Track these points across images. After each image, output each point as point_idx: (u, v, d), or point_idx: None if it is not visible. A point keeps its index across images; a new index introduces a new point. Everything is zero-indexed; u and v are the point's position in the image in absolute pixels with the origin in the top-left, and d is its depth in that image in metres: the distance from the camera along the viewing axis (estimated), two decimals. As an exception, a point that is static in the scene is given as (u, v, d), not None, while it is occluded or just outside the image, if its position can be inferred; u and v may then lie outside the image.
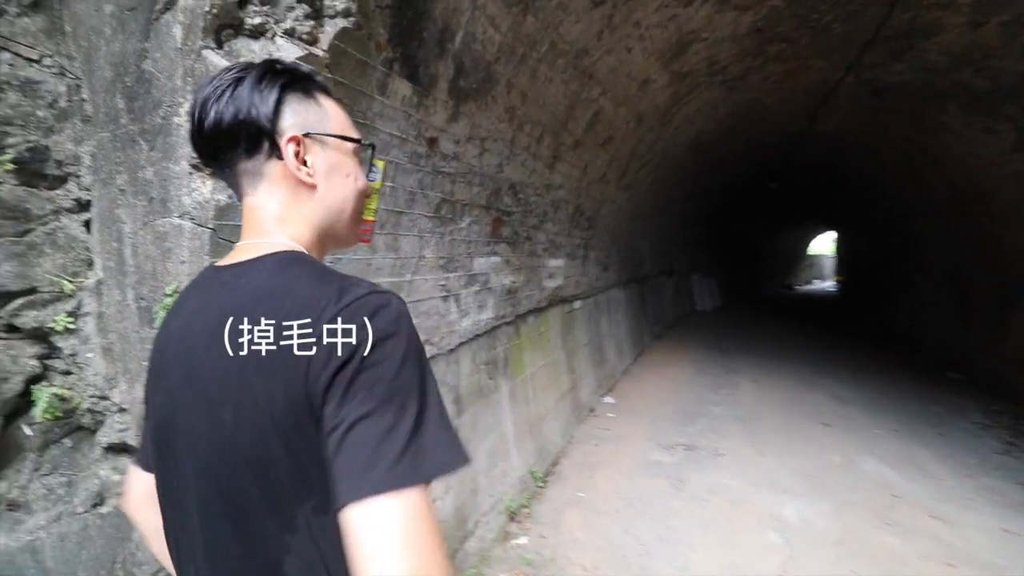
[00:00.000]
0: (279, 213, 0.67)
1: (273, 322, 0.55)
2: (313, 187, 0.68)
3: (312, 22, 1.55)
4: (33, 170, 1.50)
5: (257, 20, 1.45)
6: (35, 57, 1.52)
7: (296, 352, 0.53)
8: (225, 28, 1.40)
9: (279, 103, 0.66)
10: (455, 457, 0.54)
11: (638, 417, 5.25)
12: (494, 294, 3.32)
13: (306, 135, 0.67)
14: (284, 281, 0.60)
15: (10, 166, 1.43)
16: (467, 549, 2.71)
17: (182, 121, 1.40)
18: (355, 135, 0.73)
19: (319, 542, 0.55)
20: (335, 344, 0.53)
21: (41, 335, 1.46)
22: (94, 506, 1.45)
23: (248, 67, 0.66)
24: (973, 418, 5.38)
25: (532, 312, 4.16)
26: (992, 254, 6.67)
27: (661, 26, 3.75)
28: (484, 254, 3.15)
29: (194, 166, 1.40)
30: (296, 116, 0.67)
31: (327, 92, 0.73)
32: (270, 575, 0.56)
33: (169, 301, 1.44)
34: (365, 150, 0.77)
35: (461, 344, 2.90)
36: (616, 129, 4.82)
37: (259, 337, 0.55)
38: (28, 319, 1.42)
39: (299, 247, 0.66)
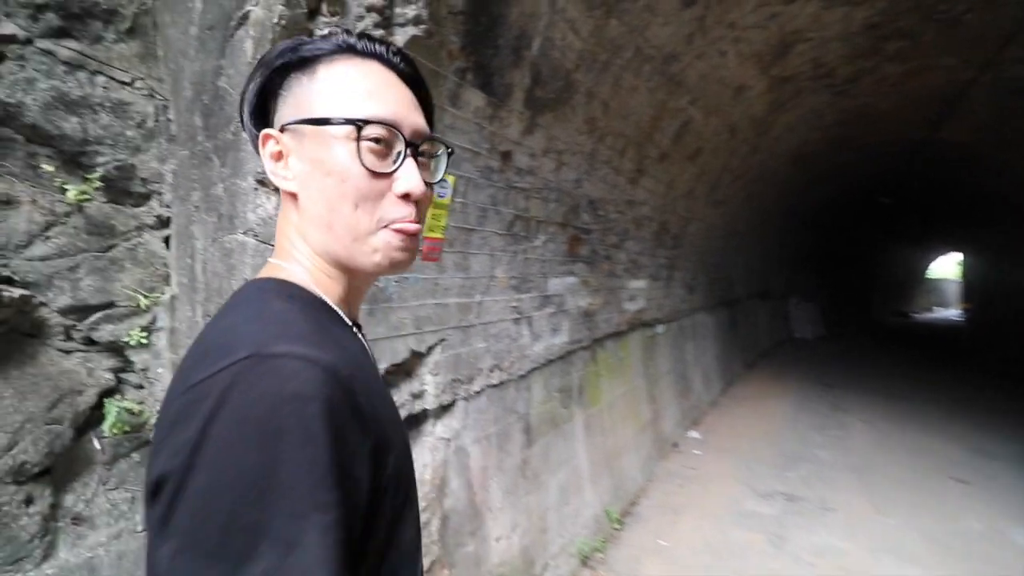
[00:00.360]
0: (283, 228, 0.56)
1: (178, 383, 0.44)
2: (293, 195, 0.54)
3: (382, 31, 1.49)
4: (120, 188, 1.55)
5: (327, 32, 1.40)
6: (127, 80, 1.58)
7: (158, 432, 0.42)
8: (294, 40, 1.36)
9: (264, 89, 0.54)
10: None
11: (728, 456, 4.73)
12: (569, 317, 3.12)
13: (282, 129, 0.53)
14: (224, 323, 0.47)
15: (99, 184, 1.48)
16: (534, 596, 2.48)
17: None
18: (356, 110, 0.50)
19: None
20: (167, 450, 0.39)
21: (116, 348, 1.48)
22: (153, 526, 1.43)
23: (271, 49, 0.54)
24: None
25: (610, 336, 3.89)
26: None
27: (759, 27, 3.41)
28: (559, 274, 2.97)
29: (259, 181, 1.37)
30: (287, 106, 0.53)
31: (352, 52, 0.53)
32: None
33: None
34: (360, 127, 0.50)
35: (533, 369, 2.72)
36: (706, 140, 4.47)
37: (168, 401, 0.44)
38: (105, 333, 1.44)
39: (295, 274, 0.53)
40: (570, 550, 2.86)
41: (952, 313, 22.82)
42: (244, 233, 1.37)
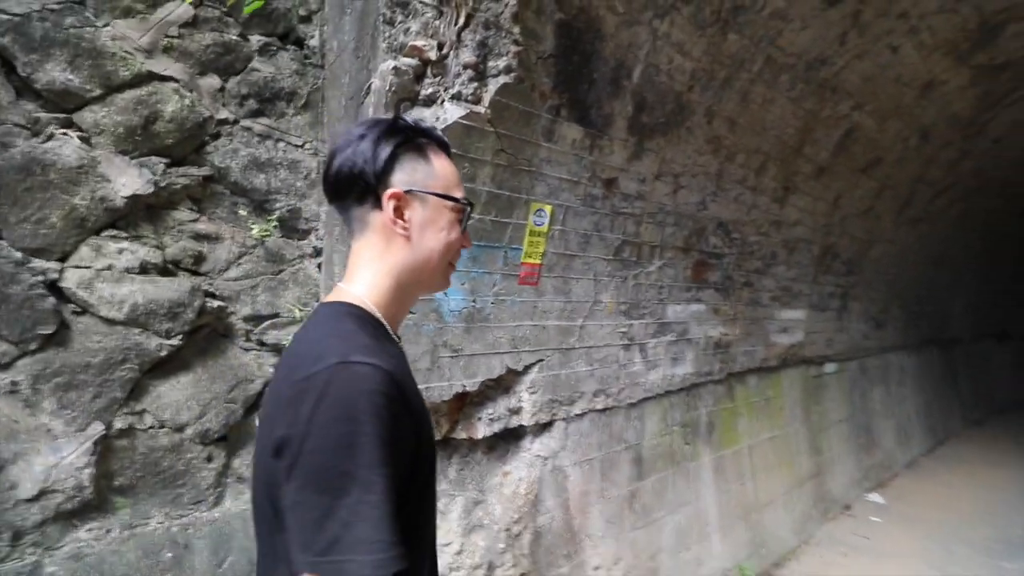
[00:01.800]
0: (369, 259, 0.74)
1: (282, 374, 0.66)
2: (407, 239, 0.74)
3: (476, 84, 1.69)
4: (290, 226, 2.00)
5: (429, 90, 1.66)
6: (299, 143, 2.06)
7: (279, 408, 0.61)
8: (404, 101, 1.64)
9: (391, 160, 0.72)
10: (373, 564, 0.52)
11: (919, 529, 3.83)
12: (695, 347, 2.93)
13: (408, 192, 0.73)
14: (311, 337, 0.67)
15: (275, 223, 1.95)
16: (638, 639, 2.36)
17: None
18: (459, 194, 0.78)
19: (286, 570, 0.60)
20: (288, 414, 0.58)
21: (278, 349, 1.90)
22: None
23: (375, 124, 0.75)
24: None
25: (754, 372, 3.51)
26: None
27: (946, 11, 2.85)
28: (682, 301, 2.83)
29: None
30: (404, 173, 0.73)
31: (444, 149, 0.80)
32: None
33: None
34: (465, 208, 0.79)
35: (646, 399, 2.63)
36: (884, 149, 3.81)
37: (275, 386, 0.67)
38: (271, 337, 1.87)
39: (366, 299, 0.72)
40: (688, 600, 2.63)
41: None
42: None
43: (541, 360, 2.11)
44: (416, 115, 1.66)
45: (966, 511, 4.20)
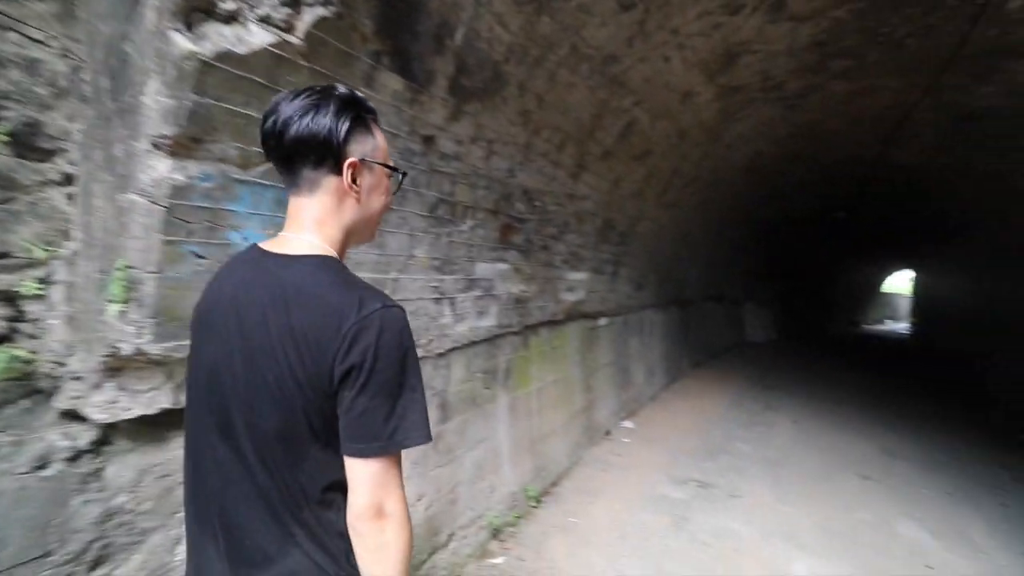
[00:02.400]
0: (321, 216, 0.87)
1: (312, 318, 0.77)
2: (358, 201, 0.90)
3: (289, 9, 1.55)
4: (26, 143, 1.58)
5: (231, 5, 1.46)
6: (41, 38, 1.60)
7: (324, 343, 0.76)
8: (196, 12, 1.42)
9: (349, 133, 0.85)
10: (421, 436, 0.80)
11: (656, 446, 4.97)
12: (498, 301, 3.24)
13: (362, 161, 0.88)
14: (319, 284, 0.80)
15: (5, 138, 1.51)
16: (437, 562, 2.63)
17: (149, 100, 1.43)
18: (392, 163, 0.97)
19: (319, 469, 0.80)
20: (354, 347, 0.76)
21: (10, 298, 1.52)
22: (36, 468, 1.49)
23: (323, 94, 0.84)
24: (1046, 492, 4.68)
25: (545, 324, 4.03)
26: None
27: (704, 35, 3.55)
28: (489, 259, 3.08)
29: (154, 144, 1.43)
30: (358, 144, 0.88)
31: (378, 123, 0.95)
32: (287, 480, 0.80)
33: (120, 275, 1.46)
34: (397, 174, 0.99)
35: (454, 349, 2.84)
36: (654, 143, 4.62)
37: (299, 324, 0.77)
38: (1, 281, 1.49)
39: (331, 249, 0.87)
40: (481, 523, 3.01)
41: (902, 326, 23.94)
42: (137, 193, 1.43)
43: (353, 312, 2.11)
44: (212, 31, 1.45)
45: (686, 428, 5.59)
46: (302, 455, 0.79)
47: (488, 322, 3.16)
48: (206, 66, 1.42)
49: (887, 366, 11.64)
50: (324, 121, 0.82)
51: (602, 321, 5.34)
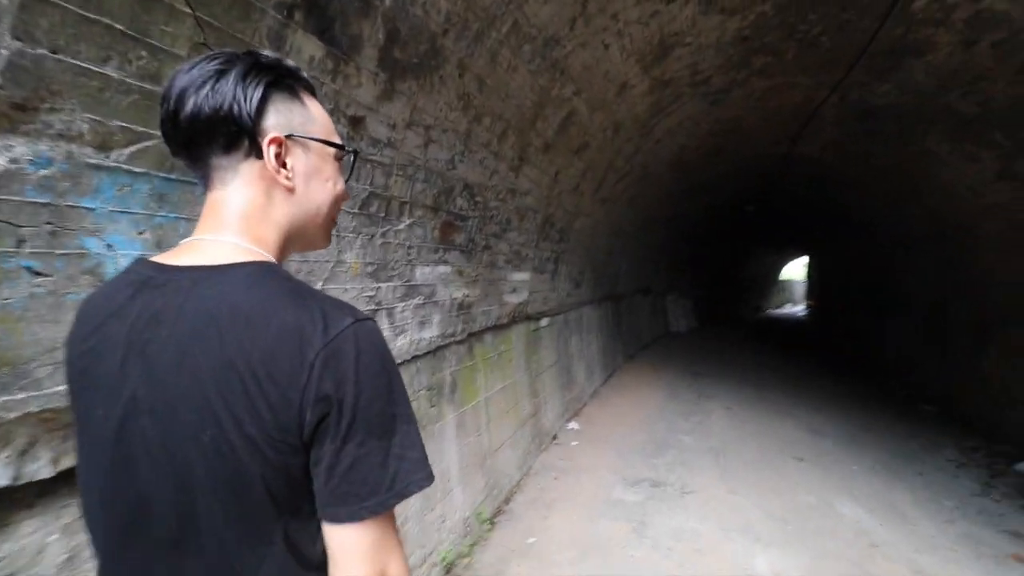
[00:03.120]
0: (245, 212, 0.65)
1: (260, 346, 0.55)
2: (291, 190, 0.68)
3: (159, -67, 1.14)
4: None
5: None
6: None
7: (281, 378, 0.54)
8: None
9: (263, 101, 0.64)
10: (424, 479, 0.61)
11: (604, 446, 4.86)
12: (441, 309, 2.91)
13: (288, 137, 0.66)
14: (262, 299, 0.58)
15: None
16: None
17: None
18: (338, 140, 0.73)
19: (294, 548, 0.59)
20: (327, 379, 0.55)
21: None
22: None
23: (232, 58, 0.63)
24: (948, 455, 5.14)
25: (490, 330, 3.75)
26: (972, 286, 6.54)
27: (641, 23, 3.43)
28: (430, 262, 2.74)
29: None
30: (280, 116, 0.66)
31: (312, 92, 0.73)
32: None
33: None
34: (347, 155, 0.76)
35: (394, 366, 2.47)
36: (592, 136, 4.49)
37: (240, 358, 0.55)
38: None
39: (265, 253, 0.65)
40: (433, 559, 2.67)
41: (799, 309, 26.28)
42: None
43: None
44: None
45: (630, 424, 5.55)
46: (264, 540, 0.57)
47: (431, 332, 2.81)
48: (30, -2, 0.99)
49: (794, 347, 12.59)
50: (228, 87, 0.61)
51: (544, 322, 5.15)
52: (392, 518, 0.60)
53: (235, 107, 0.61)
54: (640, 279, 10.88)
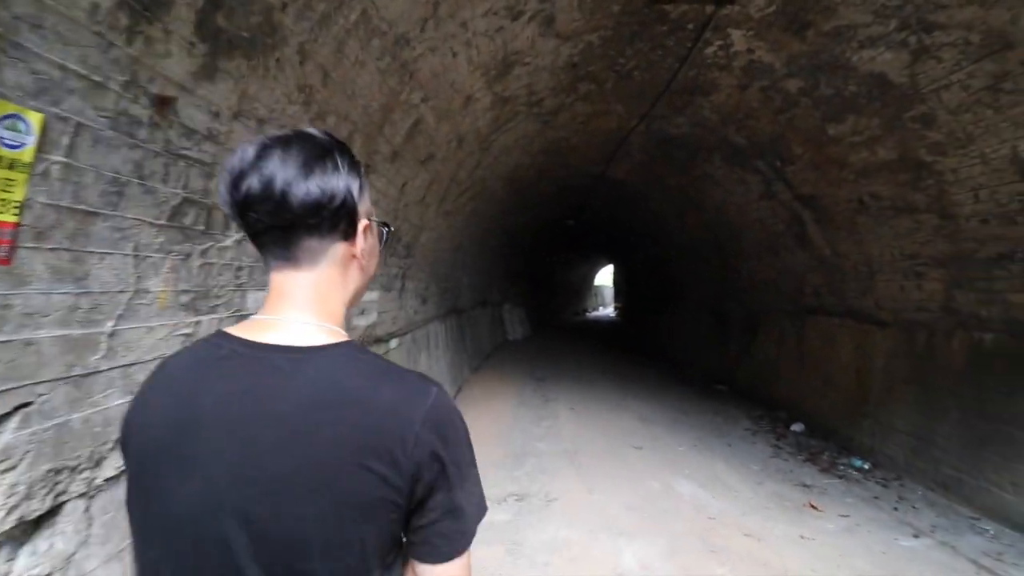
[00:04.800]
0: (325, 292, 0.69)
1: (369, 423, 0.61)
2: (361, 268, 0.74)
3: None
4: None
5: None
6: None
7: (395, 450, 0.61)
8: None
9: (361, 191, 0.70)
10: (486, 507, 0.71)
11: (465, 467, 4.68)
12: (282, 340, 2.41)
13: (369, 220, 0.73)
14: (364, 380, 0.64)
15: None
16: None
17: None
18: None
19: None
20: (435, 446, 0.63)
21: None
22: None
23: (321, 145, 0.66)
24: (744, 425, 6.20)
25: (338, 358, 3.28)
26: (742, 287, 8.07)
27: (488, 36, 3.40)
28: (265, 286, 2.25)
29: None
30: (365, 204, 0.71)
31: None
32: None
33: None
34: (386, 229, 0.84)
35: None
36: (438, 147, 4.33)
37: (354, 437, 0.60)
38: None
39: (340, 331, 0.69)
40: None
41: (610, 310, 29.84)
42: None
43: (26, 405, 1.14)
44: None
45: (487, 438, 5.47)
46: None
47: (271, 371, 2.31)
48: None
49: (611, 345, 14.15)
50: (338, 182, 0.65)
51: (393, 343, 4.78)
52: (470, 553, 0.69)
53: (348, 197, 0.66)
54: (480, 291, 11.04)
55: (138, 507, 0.65)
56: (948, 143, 3.62)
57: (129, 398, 1.50)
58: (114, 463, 1.40)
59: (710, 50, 4.28)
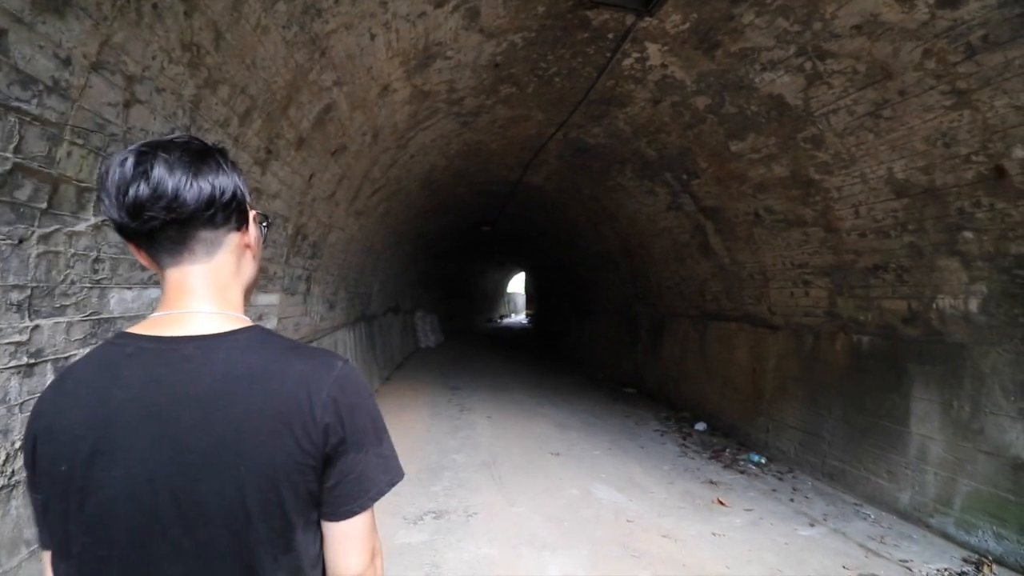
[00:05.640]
0: (222, 281, 0.73)
1: (281, 393, 0.67)
2: (255, 255, 0.81)
3: None
4: None
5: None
6: None
7: (306, 419, 0.68)
8: None
9: (244, 185, 0.76)
10: (401, 471, 0.79)
11: (377, 486, 4.32)
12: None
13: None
14: (272, 358, 0.70)
15: None
16: None
17: None
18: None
19: (302, 552, 0.70)
20: (342, 412, 0.70)
21: None
22: None
23: (205, 148, 0.71)
24: (653, 426, 6.45)
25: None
26: (650, 293, 8.46)
27: (409, 20, 3.18)
28: (136, 283, 1.84)
29: None
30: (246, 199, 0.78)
31: None
32: None
33: None
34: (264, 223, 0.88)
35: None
36: (350, 138, 3.99)
37: (268, 407, 0.66)
38: None
39: (243, 317, 0.75)
40: None
41: (522, 317, 30.23)
42: None
43: None
44: None
45: (401, 452, 5.06)
46: (284, 549, 0.68)
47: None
48: None
49: (524, 351, 14.26)
50: (226, 179, 0.71)
51: (296, 352, 4.32)
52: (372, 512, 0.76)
53: (238, 190, 0.73)
54: (391, 297, 10.56)
55: (68, 505, 0.66)
56: (834, 163, 4.00)
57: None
58: None
59: (628, 62, 4.39)
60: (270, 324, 3.49)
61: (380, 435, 0.75)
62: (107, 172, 0.66)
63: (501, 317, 30.41)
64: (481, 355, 13.15)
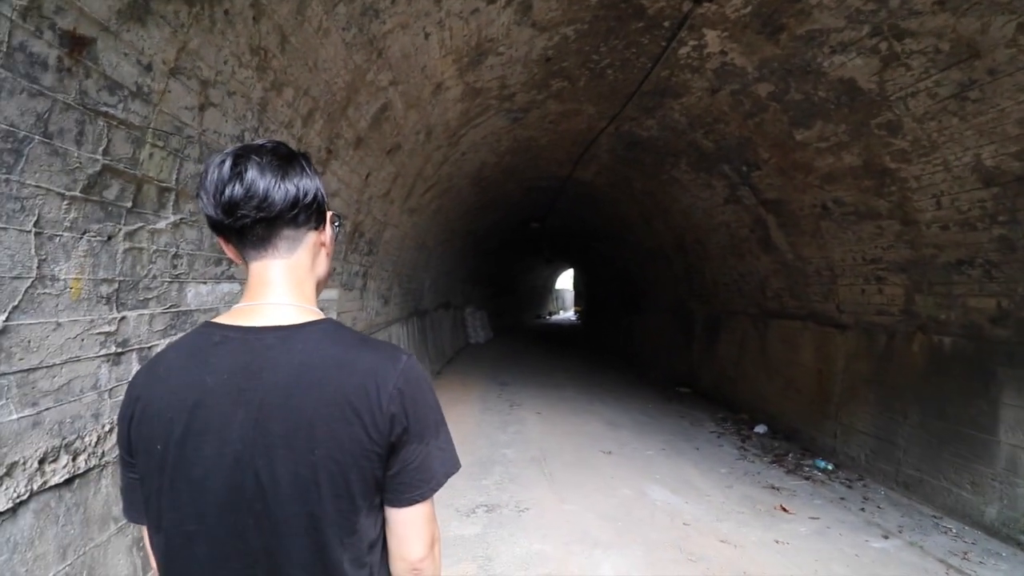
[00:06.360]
0: (300, 276, 0.80)
1: (352, 383, 0.72)
2: (328, 253, 0.87)
3: None
4: None
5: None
6: None
7: (375, 408, 0.72)
8: None
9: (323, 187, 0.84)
10: (458, 463, 0.82)
11: (429, 478, 4.41)
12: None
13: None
14: (344, 349, 0.75)
15: None
16: None
17: None
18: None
19: (363, 535, 0.74)
20: (406, 403, 0.74)
21: None
22: None
23: (284, 153, 0.76)
24: (709, 427, 6.22)
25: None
26: (705, 289, 8.16)
27: (462, 18, 3.20)
28: (210, 278, 1.95)
29: None
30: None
31: None
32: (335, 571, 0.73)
33: None
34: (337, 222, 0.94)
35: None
36: (405, 137, 4.07)
37: (341, 395, 0.71)
38: None
39: (317, 309, 0.80)
40: None
41: (570, 314, 29.99)
42: None
43: None
44: None
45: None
46: (348, 531, 0.73)
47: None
48: None
49: (574, 348, 14.13)
50: (310, 182, 0.78)
51: (353, 346, 4.47)
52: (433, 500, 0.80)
53: (319, 192, 0.79)
54: (441, 293, 10.75)
55: (162, 482, 0.72)
56: (912, 150, 3.69)
57: (30, 411, 1.20)
58: (15, 486, 1.10)
59: (684, 50, 4.23)
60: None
61: (439, 427, 0.79)
62: (205, 173, 0.72)
63: (549, 314, 30.30)
64: (530, 351, 13.16)
